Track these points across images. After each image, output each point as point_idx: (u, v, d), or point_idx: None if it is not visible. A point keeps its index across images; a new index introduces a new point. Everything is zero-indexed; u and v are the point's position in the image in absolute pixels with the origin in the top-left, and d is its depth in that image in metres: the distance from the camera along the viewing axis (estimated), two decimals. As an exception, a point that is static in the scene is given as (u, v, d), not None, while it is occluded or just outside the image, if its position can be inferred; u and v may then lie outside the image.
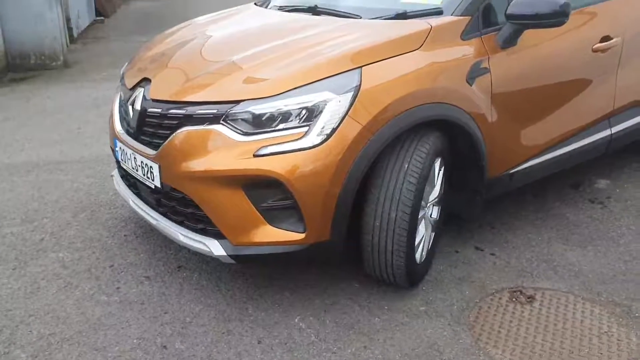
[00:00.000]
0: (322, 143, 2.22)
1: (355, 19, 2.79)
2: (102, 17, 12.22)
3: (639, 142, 3.78)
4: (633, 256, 2.86)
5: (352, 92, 2.26)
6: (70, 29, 9.18)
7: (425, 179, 2.42)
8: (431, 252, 2.76)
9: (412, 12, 2.69)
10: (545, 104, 2.92)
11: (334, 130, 2.23)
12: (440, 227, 2.81)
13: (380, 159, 2.37)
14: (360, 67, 2.33)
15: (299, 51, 2.48)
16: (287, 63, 2.40)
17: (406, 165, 2.37)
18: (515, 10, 2.60)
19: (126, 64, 3.12)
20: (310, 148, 2.21)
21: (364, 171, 2.30)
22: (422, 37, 2.50)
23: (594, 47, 3.02)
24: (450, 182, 2.78)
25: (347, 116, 2.24)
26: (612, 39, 3.09)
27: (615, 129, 3.32)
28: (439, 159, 2.58)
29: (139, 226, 3.22)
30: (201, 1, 16.29)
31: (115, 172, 3.06)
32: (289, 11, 3.17)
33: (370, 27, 2.66)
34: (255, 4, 3.50)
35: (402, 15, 2.68)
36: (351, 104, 2.25)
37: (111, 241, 3.10)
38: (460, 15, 2.62)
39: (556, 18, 2.59)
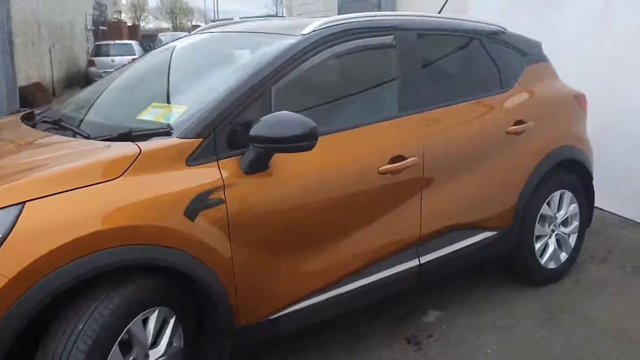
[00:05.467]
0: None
1: (78, 139, 2.37)
2: (28, 108, 11.81)
3: (487, 264, 3.40)
4: None
5: (-2, 236, 1.80)
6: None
7: (106, 344, 1.91)
8: None
9: (139, 131, 2.29)
10: (313, 237, 2.48)
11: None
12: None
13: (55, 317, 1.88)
14: (23, 202, 1.87)
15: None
16: None
17: (80, 326, 1.87)
18: (258, 133, 2.22)
19: None
20: None
21: (11, 339, 1.79)
22: (124, 164, 2.08)
23: (380, 169, 2.64)
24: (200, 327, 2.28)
25: (-12, 268, 1.76)
26: (406, 159, 2.72)
27: (425, 259, 2.88)
28: (157, 310, 2.10)
29: None
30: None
31: None
32: (39, 123, 2.74)
33: (69, 150, 2.23)
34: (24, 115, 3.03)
35: (126, 136, 2.27)
36: (-5, 252, 1.77)
37: None
38: (191, 138, 2.23)
39: (304, 142, 2.23)
